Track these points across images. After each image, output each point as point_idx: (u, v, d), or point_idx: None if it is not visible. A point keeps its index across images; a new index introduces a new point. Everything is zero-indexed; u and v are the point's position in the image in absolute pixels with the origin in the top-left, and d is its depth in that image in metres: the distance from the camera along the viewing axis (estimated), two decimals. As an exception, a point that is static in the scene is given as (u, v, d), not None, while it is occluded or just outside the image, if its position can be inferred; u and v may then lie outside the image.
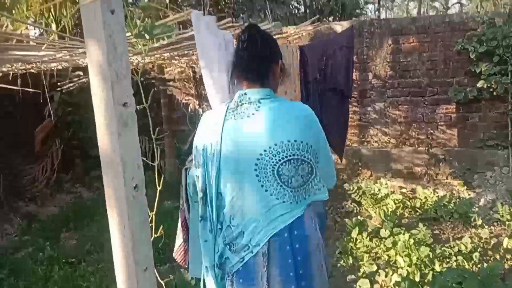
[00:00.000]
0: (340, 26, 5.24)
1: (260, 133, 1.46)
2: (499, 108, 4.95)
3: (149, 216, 1.48)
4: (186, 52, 3.09)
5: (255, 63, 1.52)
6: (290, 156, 1.44)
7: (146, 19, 1.98)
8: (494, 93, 4.81)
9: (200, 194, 1.60)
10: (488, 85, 4.74)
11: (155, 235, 1.53)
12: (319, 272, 1.56)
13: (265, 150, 1.44)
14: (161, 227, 1.64)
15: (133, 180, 1.26)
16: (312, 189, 1.55)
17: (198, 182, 1.62)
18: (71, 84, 4.02)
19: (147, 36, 1.62)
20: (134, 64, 2.70)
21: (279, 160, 1.44)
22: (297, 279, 1.48)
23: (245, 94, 1.52)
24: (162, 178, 1.61)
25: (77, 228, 4.70)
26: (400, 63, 5.25)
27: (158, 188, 1.59)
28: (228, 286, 1.57)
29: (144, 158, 1.37)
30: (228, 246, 1.55)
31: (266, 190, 1.47)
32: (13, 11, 4.58)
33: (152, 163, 1.53)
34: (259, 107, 1.49)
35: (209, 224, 1.59)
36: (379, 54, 5.30)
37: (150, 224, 1.52)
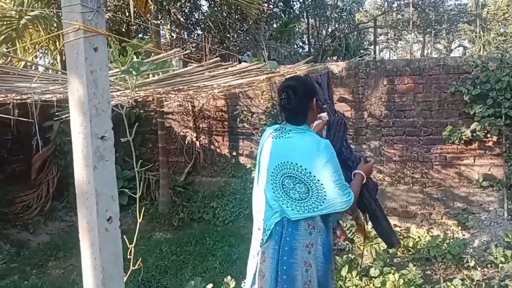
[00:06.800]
0: (336, 66, 5.36)
1: (278, 153, 2.01)
2: (494, 149, 4.98)
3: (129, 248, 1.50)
4: (181, 87, 3.15)
5: (291, 115, 2.03)
6: (289, 173, 1.94)
7: (136, 56, 2.05)
8: (488, 135, 4.85)
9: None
10: (482, 127, 4.79)
11: (133, 268, 1.54)
12: (301, 266, 1.93)
13: (277, 165, 1.98)
14: (139, 260, 1.64)
15: (107, 212, 1.28)
16: (308, 208, 1.93)
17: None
18: (69, 114, 4.07)
19: (134, 73, 1.69)
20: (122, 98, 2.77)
21: (283, 174, 1.96)
22: (277, 260, 1.96)
23: (285, 124, 2.07)
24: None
25: (66, 257, 4.66)
26: (395, 103, 5.33)
27: (139, 220, 1.62)
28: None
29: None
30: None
31: (273, 192, 2.01)
32: (17, 42, 4.73)
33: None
34: (288, 134, 2.01)
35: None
36: (374, 94, 5.39)
37: (129, 257, 1.53)
